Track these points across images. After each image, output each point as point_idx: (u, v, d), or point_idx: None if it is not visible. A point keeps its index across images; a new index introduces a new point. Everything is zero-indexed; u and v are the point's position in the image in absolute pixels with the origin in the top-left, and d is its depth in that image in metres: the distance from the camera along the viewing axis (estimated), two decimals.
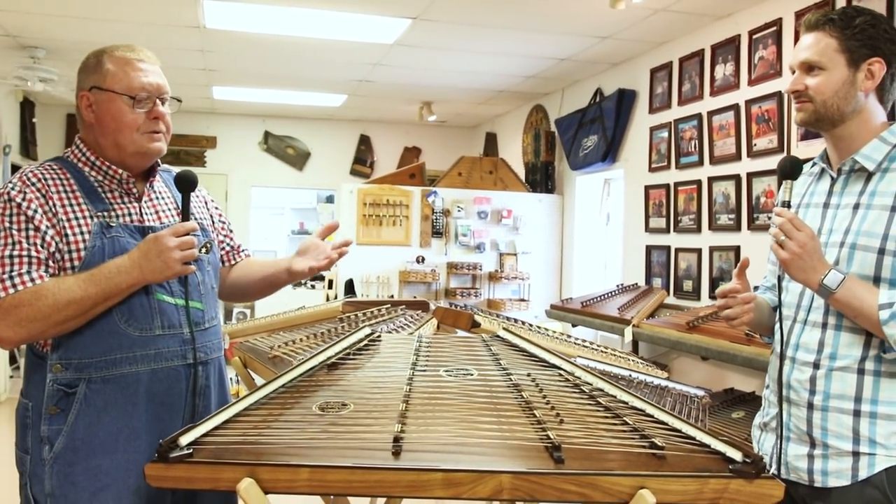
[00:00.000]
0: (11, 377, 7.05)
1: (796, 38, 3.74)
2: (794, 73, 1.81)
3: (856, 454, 1.67)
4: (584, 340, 3.01)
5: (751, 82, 4.11)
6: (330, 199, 10.34)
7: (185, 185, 1.80)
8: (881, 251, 1.66)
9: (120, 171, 1.81)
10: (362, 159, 9.05)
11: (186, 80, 6.65)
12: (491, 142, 8.46)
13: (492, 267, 6.38)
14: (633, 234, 5.35)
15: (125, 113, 1.78)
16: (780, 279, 1.84)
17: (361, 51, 5.50)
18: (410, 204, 6.16)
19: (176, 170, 1.95)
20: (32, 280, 1.66)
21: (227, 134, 8.65)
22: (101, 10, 4.63)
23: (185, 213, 1.79)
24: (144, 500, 1.71)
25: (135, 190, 1.84)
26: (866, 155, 1.74)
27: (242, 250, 2.17)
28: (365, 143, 9.06)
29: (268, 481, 1.34)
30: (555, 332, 2.94)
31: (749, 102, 4.09)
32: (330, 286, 6.21)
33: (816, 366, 1.73)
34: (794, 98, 1.80)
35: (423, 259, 6.15)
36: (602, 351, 2.86)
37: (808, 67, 1.76)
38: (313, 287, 7.81)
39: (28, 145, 7.71)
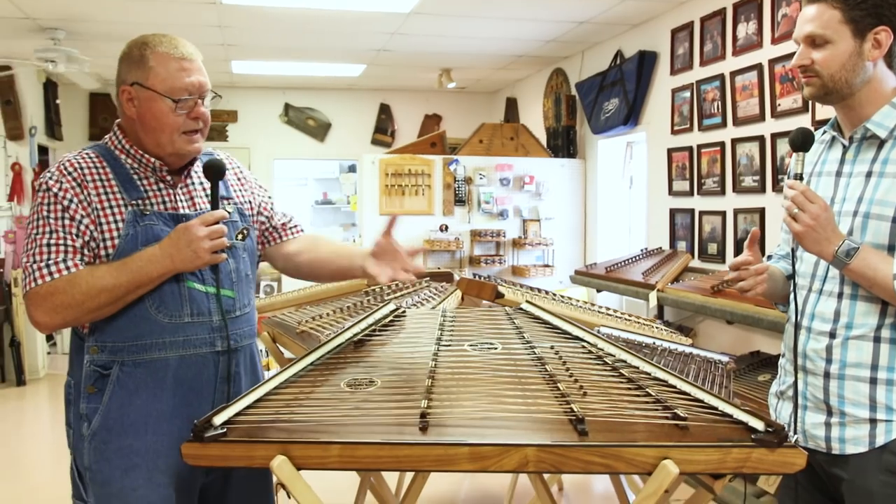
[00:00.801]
0: (49, 353, 7.22)
1: None
2: (798, 45, 1.78)
3: (872, 421, 1.68)
4: (607, 308, 3.02)
5: (774, 41, 4.05)
6: (352, 169, 10.37)
7: (214, 172, 1.82)
8: (895, 220, 1.65)
9: (153, 160, 1.83)
10: (383, 128, 9.04)
11: (205, 55, 6.53)
12: (511, 107, 8.40)
13: (515, 233, 6.38)
14: (657, 198, 5.32)
15: (167, 114, 1.78)
16: (793, 250, 1.84)
17: (378, 20, 5.48)
18: (432, 173, 6.16)
19: (214, 152, 1.98)
20: (68, 268, 1.71)
21: (248, 108, 8.68)
22: None
23: (215, 202, 1.82)
24: (174, 480, 1.77)
25: (169, 178, 1.86)
26: (878, 122, 1.72)
27: (291, 227, 2.13)
28: (385, 111, 9.05)
29: (300, 458, 1.38)
30: (578, 300, 2.95)
31: (772, 62, 4.03)
32: None
33: (833, 335, 1.73)
34: (800, 72, 1.77)
35: (447, 227, 6.17)
36: (626, 319, 2.87)
37: (813, 41, 1.72)
38: None
39: (53, 126, 7.80)
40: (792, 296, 1.82)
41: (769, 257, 2.11)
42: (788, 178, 1.74)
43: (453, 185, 6.21)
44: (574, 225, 6.54)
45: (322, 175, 11.16)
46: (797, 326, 1.80)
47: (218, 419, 1.45)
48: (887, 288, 1.62)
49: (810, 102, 3.77)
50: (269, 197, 2.11)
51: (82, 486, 1.79)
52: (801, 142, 1.73)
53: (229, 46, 6.34)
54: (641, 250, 5.11)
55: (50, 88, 7.72)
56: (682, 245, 4.99)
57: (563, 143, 6.67)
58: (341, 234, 10.30)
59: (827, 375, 1.74)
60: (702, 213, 4.77)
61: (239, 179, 2.03)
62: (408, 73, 7.77)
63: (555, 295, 2.90)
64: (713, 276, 3.90)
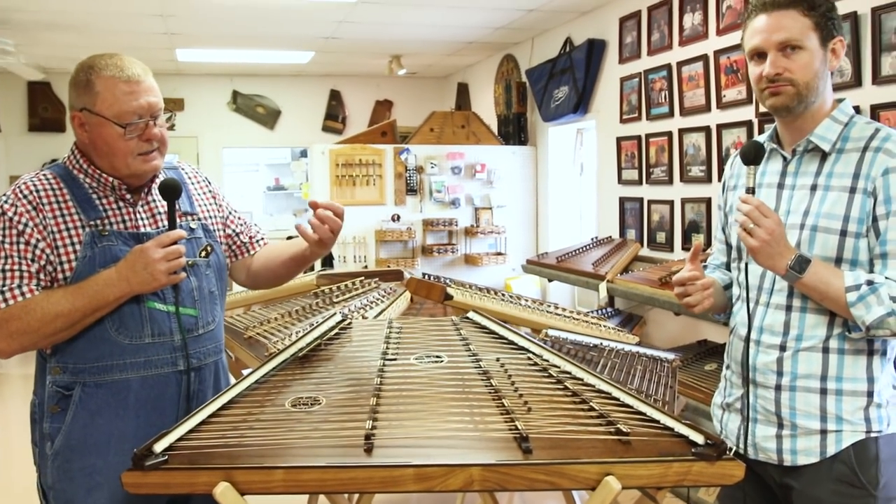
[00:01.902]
0: None
1: None
2: (752, 58, 1.76)
3: (823, 432, 1.71)
4: (556, 306, 3.04)
5: (719, 32, 4.09)
6: (304, 154, 10.25)
7: (169, 193, 1.79)
8: (843, 233, 1.68)
9: (111, 178, 1.80)
10: (334, 115, 8.94)
11: (147, 43, 6.50)
12: (463, 92, 8.38)
13: (467, 222, 6.39)
14: (607, 186, 5.36)
15: (117, 139, 1.75)
16: (746, 264, 1.84)
17: (326, 9, 5.40)
18: (383, 162, 6.12)
19: (179, 164, 1.96)
20: (23, 294, 1.70)
21: (195, 95, 8.50)
22: None
23: (172, 222, 1.79)
24: (137, 500, 1.75)
25: (129, 196, 1.83)
26: (821, 136, 1.74)
27: (258, 241, 2.13)
28: (336, 98, 8.95)
29: (243, 483, 1.37)
30: (527, 300, 2.97)
31: (718, 53, 4.08)
32: None
33: (783, 348, 1.76)
34: (767, 82, 1.73)
35: (399, 217, 6.15)
36: (574, 318, 2.89)
37: (785, 48, 1.71)
38: None
39: None
40: (745, 309, 1.82)
41: (705, 267, 2.12)
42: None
43: (405, 175, 6.18)
44: (526, 212, 6.57)
45: (273, 161, 11.01)
46: (747, 340, 1.82)
47: (158, 446, 1.42)
48: (839, 301, 1.64)
49: (754, 94, 3.82)
50: (236, 211, 2.10)
51: None
52: (753, 155, 1.73)
53: (173, 35, 6.18)
54: (592, 239, 5.15)
55: None
56: (631, 233, 5.05)
57: (514, 131, 6.68)
58: (294, 220, 10.19)
59: (778, 388, 1.76)
60: (650, 201, 4.82)
61: (205, 193, 2.01)
62: (357, 60, 7.69)
63: (503, 295, 2.91)
64: (661, 267, 3.96)
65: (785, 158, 1.82)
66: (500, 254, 6.41)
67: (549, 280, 5.01)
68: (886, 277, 1.63)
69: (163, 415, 1.80)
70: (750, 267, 1.82)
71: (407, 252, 6.22)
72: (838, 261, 1.70)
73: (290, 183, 10.97)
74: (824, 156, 1.74)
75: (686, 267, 1.84)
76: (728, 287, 1.99)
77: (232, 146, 8.80)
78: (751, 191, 1.72)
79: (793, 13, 1.71)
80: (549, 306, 2.97)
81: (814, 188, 1.74)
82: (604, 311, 4.76)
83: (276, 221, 10.21)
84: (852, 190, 1.68)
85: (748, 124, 3.87)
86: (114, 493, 1.75)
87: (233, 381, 1.84)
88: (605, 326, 2.90)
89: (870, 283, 1.62)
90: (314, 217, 1.83)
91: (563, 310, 2.98)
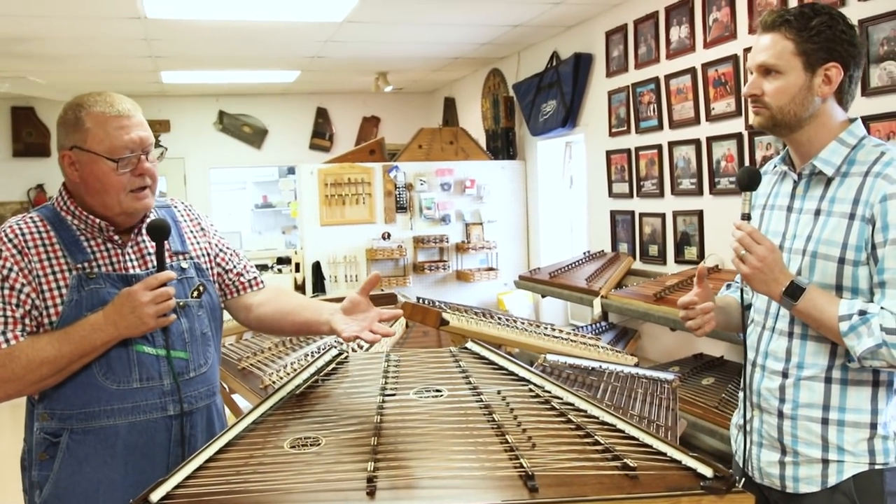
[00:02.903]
0: None
1: (749, 0, 3.72)
2: (751, 74, 1.77)
3: (825, 461, 1.69)
4: (552, 327, 3.02)
5: (706, 45, 4.10)
6: (291, 171, 10.22)
7: (157, 233, 1.75)
8: (841, 260, 1.65)
9: (99, 221, 1.76)
10: (321, 132, 8.92)
11: (132, 67, 6.47)
12: (450, 107, 8.37)
13: (458, 238, 6.37)
14: (597, 200, 5.35)
15: (109, 175, 1.72)
16: (743, 291, 1.83)
17: (311, 29, 5.38)
18: (372, 181, 6.10)
19: (172, 203, 1.92)
20: (7, 341, 1.66)
21: (181, 116, 8.46)
22: (35, 4, 4.44)
23: (160, 263, 1.75)
24: None
25: (117, 238, 1.79)
26: (825, 159, 1.71)
27: (251, 280, 2.03)
28: (322, 115, 8.93)
29: None
30: (523, 321, 2.94)
31: (705, 66, 4.08)
32: (297, 269, 6.16)
33: (785, 375, 1.74)
34: (750, 101, 1.76)
35: (389, 235, 6.12)
36: (571, 341, 2.87)
37: (766, 70, 1.71)
38: (280, 271, 7.75)
39: None
40: (755, 333, 1.81)
41: (728, 286, 2.11)
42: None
43: (394, 192, 6.15)
44: (516, 227, 6.55)
45: (261, 178, 10.98)
46: (753, 364, 1.80)
47: (155, 495, 1.38)
48: (833, 329, 1.62)
49: (743, 106, 3.83)
50: (230, 248, 2.03)
51: None
52: (748, 181, 1.72)
53: (157, 58, 6.15)
54: (584, 253, 5.14)
55: None
56: (623, 247, 5.04)
57: (502, 145, 6.67)
58: (283, 238, 10.15)
59: (781, 415, 1.75)
60: (642, 214, 4.82)
61: (198, 231, 1.96)
62: (344, 77, 7.67)
63: (499, 318, 2.89)
64: (656, 282, 3.94)
65: (794, 181, 1.80)
66: (491, 269, 6.39)
67: (543, 296, 4.99)
68: (882, 307, 1.59)
69: (153, 462, 1.75)
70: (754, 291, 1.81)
71: (398, 270, 6.19)
72: (838, 288, 1.67)
73: (279, 200, 10.93)
74: (829, 180, 1.72)
75: (692, 290, 1.82)
76: (746, 307, 1.97)
77: (219, 166, 8.76)
78: (746, 217, 1.71)
79: (776, 35, 1.70)
80: (546, 328, 2.94)
81: (817, 213, 1.72)
82: (598, 325, 4.75)
83: (264, 240, 10.17)
84: (851, 216, 1.65)
85: (738, 137, 3.87)
86: None
87: (229, 422, 1.80)
88: (602, 348, 2.88)
89: (862, 312, 1.59)
90: (371, 330, 1.71)
91: (560, 331, 2.96)
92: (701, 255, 4.25)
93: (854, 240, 1.64)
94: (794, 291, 1.63)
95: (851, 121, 1.75)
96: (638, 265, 4.82)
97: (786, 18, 1.68)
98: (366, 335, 1.69)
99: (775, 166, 1.89)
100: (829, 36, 1.67)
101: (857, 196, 1.65)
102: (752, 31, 3.75)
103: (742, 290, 1.85)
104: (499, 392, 1.73)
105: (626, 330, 4.73)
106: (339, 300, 3.34)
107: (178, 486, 1.43)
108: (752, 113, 1.78)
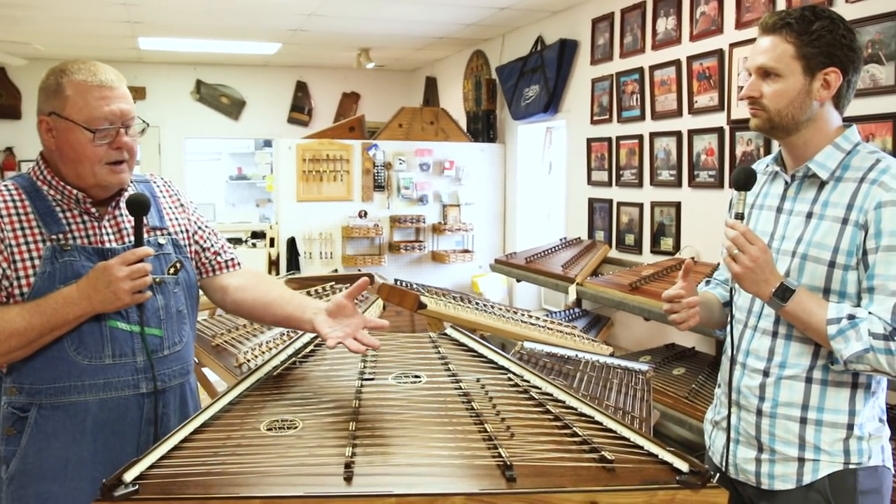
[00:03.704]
0: None
1: None
2: (749, 75, 1.76)
3: (801, 460, 1.72)
4: (529, 314, 3.03)
5: (692, 38, 4.10)
6: (268, 144, 10.11)
7: (137, 208, 1.70)
8: (831, 264, 1.66)
9: (76, 191, 1.72)
10: (300, 107, 8.82)
11: (109, 32, 6.33)
12: (431, 87, 8.32)
13: (435, 219, 6.35)
14: (576, 187, 5.36)
15: (85, 145, 1.68)
16: (731, 289, 1.84)
17: (295, 1, 5.30)
18: (351, 158, 6.05)
19: (151, 177, 1.88)
20: None
21: (157, 84, 8.31)
22: None
23: (139, 239, 1.71)
24: None
25: (94, 210, 1.75)
26: (820, 163, 1.72)
27: (227, 261, 1.99)
28: (302, 89, 8.82)
29: None
30: (500, 307, 2.94)
31: (690, 59, 4.09)
32: (272, 244, 6.11)
33: (766, 373, 1.76)
34: (748, 103, 1.76)
35: (366, 213, 6.09)
36: (548, 329, 2.88)
37: (764, 73, 1.71)
38: (254, 245, 7.68)
39: None
40: (728, 331, 1.83)
41: (707, 282, 2.12)
42: (729, 216, 1.73)
43: (372, 171, 6.11)
44: (494, 210, 6.55)
45: (236, 150, 10.85)
46: (732, 361, 1.82)
47: (129, 475, 1.36)
48: (820, 333, 1.63)
49: (726, 101, 3.85)
50: (208, 226, 1.99)
51: None
52: (744, 181, 1.72)
53: (135, 24, 6.02)
54: (560, 240, 5.15)
55: None
56: (600, 235, 5.06)
57: (483, 128, 6.65)
58: (257, 211, 10.06)
59: (759, 413, 1.77)
60: (620, 203, 4.83)
61: (177, 207, 1.92)
62: (325, 52, 7.58)
63: (477, 303, 2.88)
64: (632, 272, 3.97)
65: (786, 182, 1.80)
66: (467, 251, 6.39)
67: (518, 280, 5.00)
68: (870, 312, 1.61)
69: (123, 440, 1.72)
70: (741, 289, 1.81)
71: (374, 249, 6.17)
72: (826, 291, 1.68)
73: (254, 173, 10.81)
74: (823, 184, 1.73)
75: (677, 284, 1.83)
76: (727, 304, 1.98)
77: (195, 136, 8.62)
78: (739, 216, 1.71)
79: (776, 38, 1.70)
80: (522, 314, 2.95)
81: (809, 216, 1.73)
82: (571, 311, 4.77)
83: (238, 212, 10.06)
84: (844, 221, 1.66)
85: (719, 131, 3.89)
86: None
87: (203, 402, 1.78)
88: (578, 336, 2.89)
89: (851, 317, 1.61)
90: (353, 335, 1.69)
91: (537, 318, 2.97)
92: (677, 247, 4.28)
93: (846, 244, 1.65)
94: (783, 293, 1.64)
95: (846, 126, 1.76)
96: (614, 254, 4.84)
97: (787, 21, 1.68)
98: (350, 343, 1.66)
99: (767, 166, 1.89)
100: (829, 41, 1.67)
101: (852, 201, 1.66)
102: (738, 26, 3.76)
103: (732, 289, 1.85)
104: (478, 380, 1.73)
105: (599, 317, 4.77)
106: (315, 279, 3.31)
107: (152, 466, 1.41)
108: (749, 115, 1.77)
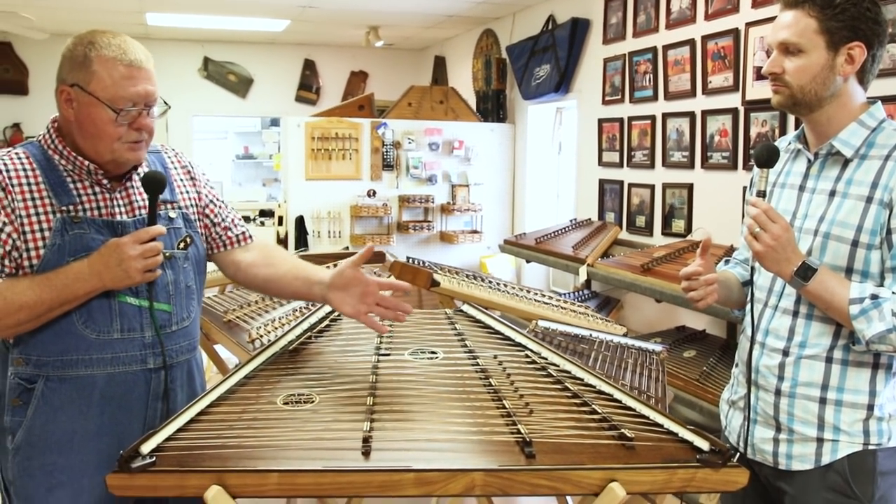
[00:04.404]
0: None
1: None
2: (770, 51, 1.73)
3: (820, 440, 1.70)
4: (542, 293, 3.01)
5: (707, 17, 4.04)
6: (275, 123, 10.06)
7: (153, 186, 1.68)
8: (854, 243, 1.64)
9: (88, 163, 1.69)
10: (308, 85, 8.77)
11: (116, 7, 6.29)
12: (440, 66, 8.26)
13: (444, 199, 6.32)
14: (586, 168, 5.33)
15: (107, 123, 1.64)
16: (752, 268, 1.81)
17: None
18: (360, 136, 6.01)
19: (163, 148, 1.85)
20: None
21: (164, 61, 8.24)
22: None
23: (152, 217, 1.69)
24: (100, 500, 1.68)
25: (106, 182, 1.72)
26: (844, 140, 1.69)
27: (239, 235, 1.97)
28: (310, 67, 8.77)
29: (236, 487, 1.32)
30: (514, 286, 2.93)
31: (705, 38, 4.04)
32: (280, 223, 6.09)
33: (786, 353, 1.74)
34: (770, 80, 1.72)
35: (375, 193, 6.06)
36: (562, 308, 2.86)
37: (786, 48, 1.67)
38: (263, 224, 7.67)
39: None
40: (748, 310, 1.80)
41: (727, 261, 2.09)
42: (751, 194, 1.70)
43: (381, 150, 6.08)
44: (503, 190, 6.52)
45: (243, 129, 10.80)
46: (752, 341, 1.80)
47: (146, 447, 1.36)
48: (842, 312, 1.61)
49: (741, 81, 3.81)
50: (220, 200, 1.96)
51: (8, 500, 1.72)
52: (766, 158, 1.68)
53: None
54: (571, 221, 5.12)
55: None
56: (610, 216, 5.03)
57: (492, 107, 6.60)
58: (263, 190, 10.03)
59: (778, 392, 1.75)
60: (631, 185, 4.80)
61: (188, 179, 1.89)
62: (334, 30, 7.52)
63: (490, 281, 2.87)
64: (643, 253, 3.94)
65: (809, 160, 1.77)
66: (475, 232, 6.36)
67: (527, 261, 4.98)
68: (893, 292, 1.59)
69: (130, 414, 1.71)
70: (762, 268, 1.79)
71: (382, 228, 6.15)
72: (849, 271, 1.66)
73: (261, 152, 10.77)
74: (847, 162, 1.70)
75: (695, 261, 1.81)
76: (746, 284, 1.95)
77: (202, 114, 8.59)
78: (761, 194, 1.68)
79: (799, 13, 1.66)
80: (536, 294, 2.93)
81: (832, 194, 1.70)
82: (581, 293, 4.76)
83: (245, 191, 10.04)
84: (869, 199, 1.63)
85: (734, 112, 3.85)
86: (76, 492, 1.67)
87: (208, 378, 1.77)
88: (592, 316, 2.88)
89: (874, 297, 1.59)
90: (374, 301, 1.71)
91: (550, 297, 2.95)
92: (688, 229, 4.25)
93: (870, 223, 1.62)
94: (805, 272, 1.62)
95: (871, 102, 1.73)
96: (624, 235, 4.82)
97: None
98: (373, 310, 1.66)
99: (789, 143, 1.86)
100: (853, 14, 1.63)
101: (876, 180, 1.64)
102: (755, 5, 3.70)
103: (752, 268, 1.82)
104: (495, 357, 1.72)
105: (609, 299, 4.75)
106: (328, 256, 3.30)
107: (168, 439, 1.41)
108: (771, 91, 1.74)
